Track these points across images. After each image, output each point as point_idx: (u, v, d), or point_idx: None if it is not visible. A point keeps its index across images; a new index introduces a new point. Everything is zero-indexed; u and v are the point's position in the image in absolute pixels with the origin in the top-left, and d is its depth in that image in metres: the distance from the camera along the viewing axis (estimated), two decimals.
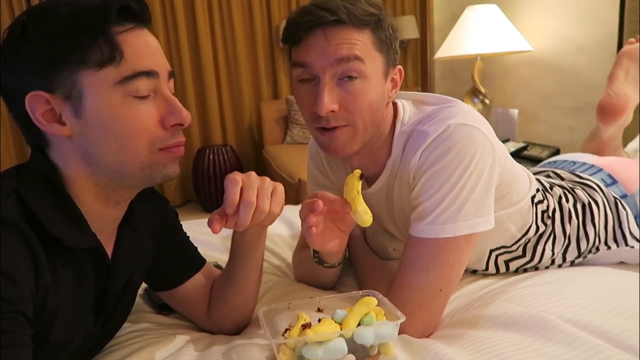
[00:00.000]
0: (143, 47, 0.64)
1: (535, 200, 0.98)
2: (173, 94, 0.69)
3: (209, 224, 0.69)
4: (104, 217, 0.71)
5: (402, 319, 0.70)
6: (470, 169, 0.79)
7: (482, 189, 0.80)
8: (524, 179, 0.98)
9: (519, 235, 0.98)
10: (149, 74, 0.64)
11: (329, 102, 0.79)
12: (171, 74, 0.69)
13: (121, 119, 0.62)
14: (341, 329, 0.68)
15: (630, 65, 1.44)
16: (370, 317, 0.70)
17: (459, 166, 0.79)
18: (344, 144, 0.84)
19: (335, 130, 0.83)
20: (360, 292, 0.80)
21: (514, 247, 1.00)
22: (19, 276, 0.55)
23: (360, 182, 0.76)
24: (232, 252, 0.85)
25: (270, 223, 0.76)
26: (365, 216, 0.76)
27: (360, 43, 0.79)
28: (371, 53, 0.81)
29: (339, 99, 0.81)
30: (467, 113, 0.84)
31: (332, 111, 0.80)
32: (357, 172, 0.76)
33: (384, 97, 0.86)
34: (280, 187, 0.74)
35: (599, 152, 1.46)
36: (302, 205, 0.80)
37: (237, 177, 0.69)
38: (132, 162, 0.65)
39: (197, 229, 1.23)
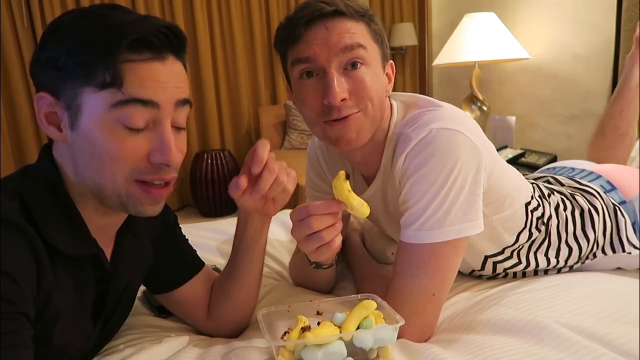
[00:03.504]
0: (150, 77, 0.62)
1: (530, 207, 0.98)
2: (179, 127, 0.68)
3: (233, 183, 0.75)
4: (104, 224, 0.71)
5: (401, 322, 0.70)
6: (454, 174, 0.79)
7: (469, 193, 0.80)
8: (518, 185, 0.97)
9: (512, 241, 0.98)
10: (146, 102, 0.62)
11: (340, 90, 0.79)
12: (181, 103, 0.66)
13: (106, 143, 0.62)
14: (340, 332, 0.68)
15: None
16: (370, 321, 0.70)
17: (442, 171, 0.79)
18: (356, 133, 0.83)
19: (347, 119, 0.82)
20: (359, 295, 0.80)
21: (508, 253, 0.99)
22: (21, 277, 0.56)
23: (348, 182, 0.75)
24: (234, 246, 0.86)
25: (283, 204, 0.81)
26: (362, 208, 0.75)
27: (359, 32, 0.82)
28: (369, 42, 0.83)
29: (347, 87, 0.81)
30: (450, 117, 0.83)
31: (343, 100, 0.80)
32: (342, 173, 0.75)
33: (384, 88, 0.87)
34: (294, 172, 0.80)
35: (626, 106, 1.42)
36: (295, 211, 0.77)
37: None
38: (111, 187, 0.64)
39: (195, 233, 1.23)
